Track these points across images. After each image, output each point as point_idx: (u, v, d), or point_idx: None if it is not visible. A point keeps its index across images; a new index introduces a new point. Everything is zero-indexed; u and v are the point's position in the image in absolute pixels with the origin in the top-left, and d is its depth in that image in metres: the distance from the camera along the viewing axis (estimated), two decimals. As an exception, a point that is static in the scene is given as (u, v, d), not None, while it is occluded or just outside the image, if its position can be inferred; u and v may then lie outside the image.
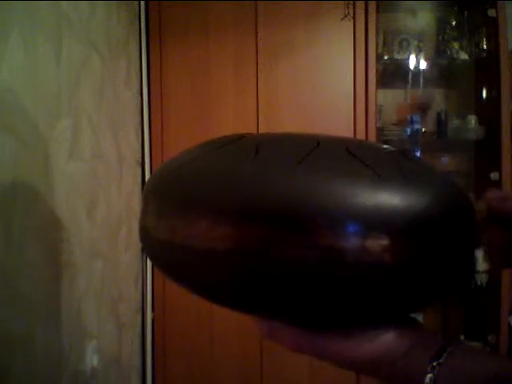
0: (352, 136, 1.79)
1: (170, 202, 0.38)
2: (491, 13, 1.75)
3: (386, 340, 0.37)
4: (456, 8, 1.93)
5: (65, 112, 1.17)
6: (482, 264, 1.85)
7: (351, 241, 0.32)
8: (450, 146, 2.00)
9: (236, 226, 0.34)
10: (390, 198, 0.33)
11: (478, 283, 1.85)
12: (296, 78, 1.81)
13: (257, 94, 1.82)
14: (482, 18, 1.83)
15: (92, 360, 1.31)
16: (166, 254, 0.39)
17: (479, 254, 1.85)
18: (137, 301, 1.82)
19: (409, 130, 1.94)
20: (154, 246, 0.41)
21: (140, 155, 1.86)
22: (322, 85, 1.81)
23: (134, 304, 1.79)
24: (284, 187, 0.34)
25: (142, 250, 1.86)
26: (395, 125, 1.99)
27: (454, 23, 1.92)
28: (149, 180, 0.43)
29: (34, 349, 1.00)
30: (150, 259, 0.43)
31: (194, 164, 0.39)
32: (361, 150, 0.38)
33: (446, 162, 1.97)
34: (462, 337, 1.92)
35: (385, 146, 0.42)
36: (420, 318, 1.98)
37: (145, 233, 0.42)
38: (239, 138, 0.41)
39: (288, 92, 1.82)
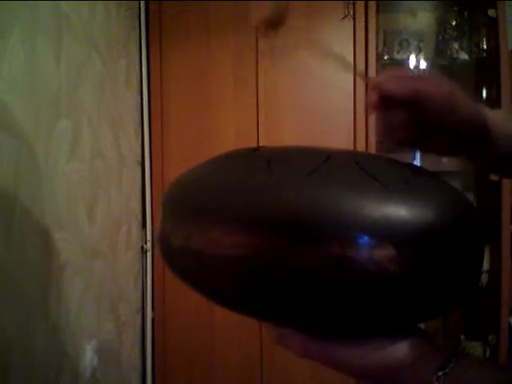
0: (352, 136, 1.79)
1: (186, 210, 0.40)
2: (491, 13, 1.75)
3: (394, 350, 0.38)
4: (456, 8, 1.93)
5: (65, 112, 1.17)
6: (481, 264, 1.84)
7: (358, 250, 0.33)
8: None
9: (248, 234, 0.35)
10: (396, 210, 0.34)
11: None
12: (296, 78, 1.81)
13: (257, 93, 1.82)
14: (482, 18, 1.83)
15: (92, 360, 1.31)
16: (181, 259, 0.41)
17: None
18: (137, 301, 1.82)
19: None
20: (171, 252, 0.43)
21: (140, 155, 1.86)
22: (322, 85, 1.81)
23: (134, 304, 1.79)
24: (295, 198, 0.35)
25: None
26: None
27: (454, 23, 1.92)
28: (167, 189, 0.45)
29: (34, 349, 1.00)
30: (168, 265, 0.44)
31: (210, 175, 0.41)
32: (370, 163, 0.39)
33: (446, 162, 1.97)
34: (462, 337, 1.92)
35: (394, 160, 0.43)
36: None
37: (162, 239, 0.44)
38: (254, 151, 0.43)
39: (288, 92, 1.81)
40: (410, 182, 0.37)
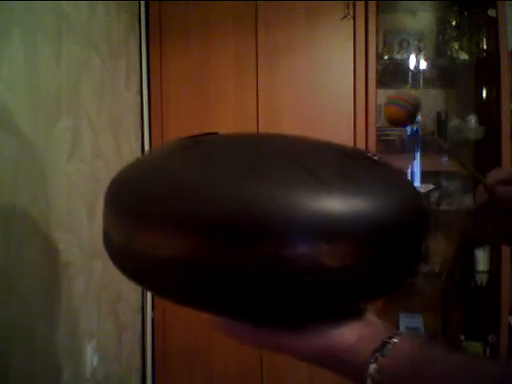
0: (352, 136, 1.79)
1: (125, 209, 0.40)
2: (491, 13, 1.75)
3: (335, 333, 0.39)
4: (456, 8, 1.93)
5: (65, 112, 1.17)
6: (482, 264, 1.85)
7: (292, 247, 0.33)
8: (450, 146, 2.00)
9: (185, 236, 0.35)
10: (329, 204, 0.34)
11: (478, 283, 1.85)
12: (296, 77, 1.81)
13: (257, 94, 1.82)
14: (482, 18, 1.83)
15: (92, 360, 1.31)
16: (123, 258, 0.42)
17: (479, 254, 1.85)
18: (137, 301, 1.82)
19: (409, 130, 1.94)
20: (113, 250, 0.43)
21: (140, 155, 1.86)
22: (322, 85, 1.81)
23: (134, 304, 1.79)
24: (229, 197, 0.35)
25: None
26: (395, 125, 1.98)
27: (454, 23, 1.92)
28: (109, 185, 0.45)
29: (34, 349, 1.00)
30: (112, 261, 0.45)
31: (149, 171, 0.41)
32: (309, 157, 0.39)
33: (446, 162, 1.97)
34: (462, 337, 1.92)
35: (340, 150, 0.43)
36: (420, 318, 1.98)
37: (105, 236, 0.44)
38: (196, 143, 0.43)
39: (288, 92, 1.81)
40: (346, 175, 0.37)
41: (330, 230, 0.34)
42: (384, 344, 0.37)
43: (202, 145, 0.43)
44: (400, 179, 0.42)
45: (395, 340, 0.37)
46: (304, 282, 0.34)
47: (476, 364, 0.35)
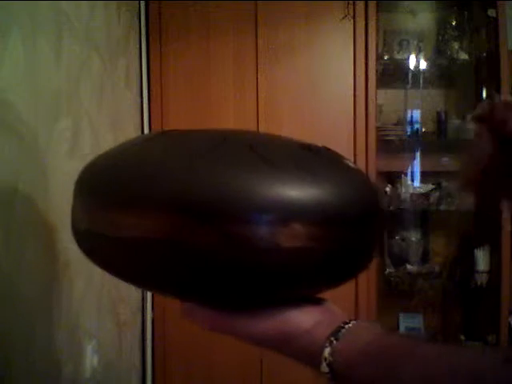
0: (352, 136, 1.79)
1: (88, 193, 0.42)
2: (491, 13, 1.75)
3: (291, 318, 0.39)
4: (456, 8, 1.93)
5: (65, 112, 1.17)
6: (482, 264, 1.85)
7: (251, 228, 0.35)
8: (450, 146, 2.00)
9: (145, 216, 0.37)
10: (284, 189, 0.37)
11: (478, 283, 1.85)
12: (296, 78, 1.81)
13: (257, 94, 1.82)
14: (482, 18, 1.83)
15: (92, 360, 1.31)
16: (87, 242, 0.44)
17: (479, 254, 1.85)
18: (137, 301, 1.82)
19: (409, 130, 1.94)
20: (79, 235, 0.45)
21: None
22: (322, 85, 1.81)
23: (134, 304, 1.79)
24: (190, 180, 0.37)
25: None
26: (395, 125, 1.99)
27: (454, 23, 1.92)
28: (78, 174, 0.47)
29: (34, 349, 1.00)
30: (79, 248, 0.46)
31: (110, 159, 0.44)
32: (264, 147, 0.41)
33: (446, 162, 1.97)
34: (462, 337, 1.92)
35: (291, 142, 0.45)
36: (420, 318, 1.98)
37: (72, 223, 0.46)
38: (161, 134, 0.45)
39: (288, 92, 1.81)
40: (299, 164, 0.39)
41: (286, 212, 0.36)
42: (339, 329, 0.38)
43: (166, 135, 0.45)
44: (357, 176, 0.44)
45: (350, 325, 0.38)
46: (261, 262, 0.36)
47: (440, 352, 0.34)
